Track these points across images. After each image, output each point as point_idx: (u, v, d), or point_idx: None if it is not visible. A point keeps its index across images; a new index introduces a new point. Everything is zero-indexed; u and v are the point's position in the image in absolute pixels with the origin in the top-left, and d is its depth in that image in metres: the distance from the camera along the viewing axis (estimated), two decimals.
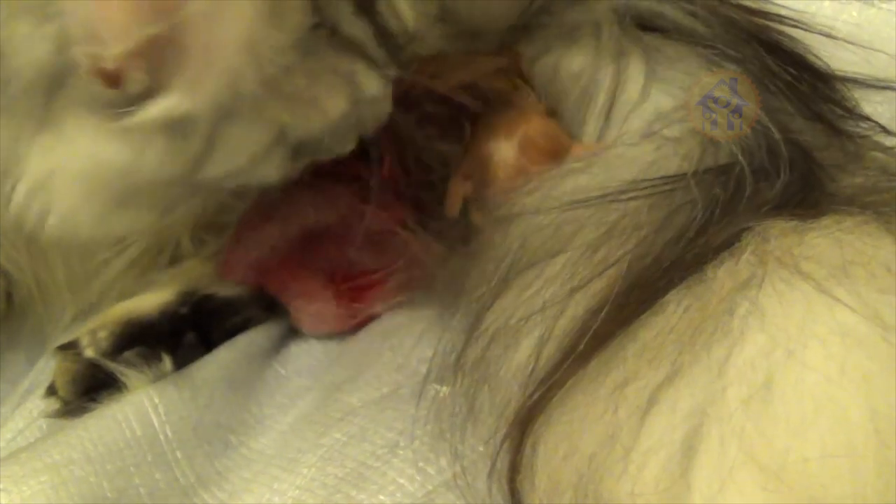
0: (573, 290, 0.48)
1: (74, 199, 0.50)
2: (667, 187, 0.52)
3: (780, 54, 0.64)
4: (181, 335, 0.63)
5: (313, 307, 0.64)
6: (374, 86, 0.55)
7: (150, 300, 0.64)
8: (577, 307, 0.48)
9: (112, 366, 0.60)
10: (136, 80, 0.45)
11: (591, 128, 0.65)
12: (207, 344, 0.63)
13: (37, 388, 0.64)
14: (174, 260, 0.68)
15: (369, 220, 0.64)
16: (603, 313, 0.46)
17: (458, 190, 0.63)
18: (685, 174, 0.52)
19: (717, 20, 0.64)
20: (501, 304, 0.51)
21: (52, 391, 0.61)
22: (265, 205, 0.65)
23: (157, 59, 0.45)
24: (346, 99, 0.53)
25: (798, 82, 0.62)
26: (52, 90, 0.47)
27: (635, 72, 0.64)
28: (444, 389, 0.53)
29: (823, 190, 0.53)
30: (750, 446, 0.38)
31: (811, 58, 0.65)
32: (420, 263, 0.63)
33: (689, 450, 0.40)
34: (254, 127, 0.50)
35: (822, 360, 0.39)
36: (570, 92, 0.66)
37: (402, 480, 0.50)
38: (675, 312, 0.45)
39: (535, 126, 0.64)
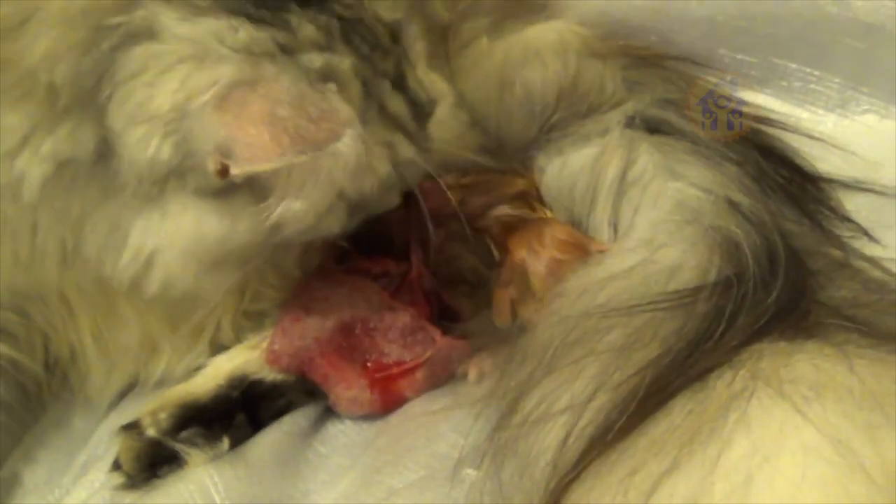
0: (599, 387, 0.56)
1: (175, 265, 0.59)
2: (685, 300, 0.60)
3: (772, 156, 0.73)
4: (232, 416, 0.70)
5: (350, 393, 0.71)
6: (408, 151, 0.63)
7: (204, 384, 0.71)
8: (603, 402, 0.56)
9: (177, 446, 0.67)
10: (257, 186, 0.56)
11: (601, 207, 0.73)
12: (255, 424, 0.70)
13: (95, 461, 0.71)
14: (214, 343, 0.74)
15: (399, 315, 0.72)
16: (627, 411, 0.54)
17: (505, 297, 0.71)
18: (701, 287, 0.61)
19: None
20: (539, 392, 0.59)
21: (117, 466, 0.68)
22: (305, 297, 0.72)
23: (283, 177, 0.56)
24: (389, 162, 0.62)
25: (789, 183, 0.71)
26: (164, 180, 0.56)
27: (645, 154, 0.72)
28: (476, 473, 0.60)
29: (813, 298, 0.61)
30: None
31: (800, 160, 0.74)
32: (445, 357, 0.71)
33: None
34: (319, 195, 0.59)
35: (791, 468, 0.48)
36: (578, 182, 0.75)
37: None
38: (679, 414, 0.53)
39: (557, 228, 0.73)
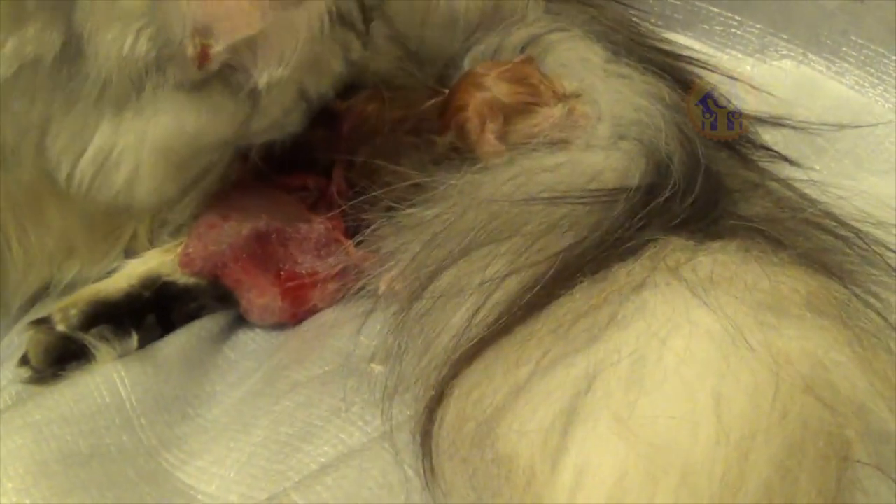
0: (512, 271, 0.58)
1: (145, 163, 0.61)
2: (605, 198, 0.62)
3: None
4: (143, 316, 0.70)
5: (262, 301, 0.71)
6: (358, 50, 0.68)
7: (117, 284, 0.70)
8: (513, 282, 0.57)
9: (86, 339, 0.66)
10: (224, 62, 0.59)
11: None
12: (165, 326, 0.70)
13: (3, 362, 0.70)
14: (129, 250, 0.74)
15: (315, 227, 0.73)
16: (531, 293, 0.55)
17: (488, 135, 0.72)
18: (622, 189, 0.62)
19: (636, 58, 0.76)
20: (454, 271, 0.60)
21: (24, 361, 0.67)
22: (223, 206, 0.72)
23: (251, 48, 0.59)
24: (342, 60, 0.67)
25: None
26: (142, 78, 0.58)
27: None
28: (379, 368, 0.61)
29: (726, 209, 0.63)
30: (616, 404, 0.49)
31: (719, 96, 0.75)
32: (357, 269, 0.71)
33: (574, 402, 0.50)
34: (285, 89, 0.63)
35: (682, 346, 0.50)
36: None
37: (343, 436, 0.59)
38: (581, 298, 0.55)
39: (482, 65, 0.75)
